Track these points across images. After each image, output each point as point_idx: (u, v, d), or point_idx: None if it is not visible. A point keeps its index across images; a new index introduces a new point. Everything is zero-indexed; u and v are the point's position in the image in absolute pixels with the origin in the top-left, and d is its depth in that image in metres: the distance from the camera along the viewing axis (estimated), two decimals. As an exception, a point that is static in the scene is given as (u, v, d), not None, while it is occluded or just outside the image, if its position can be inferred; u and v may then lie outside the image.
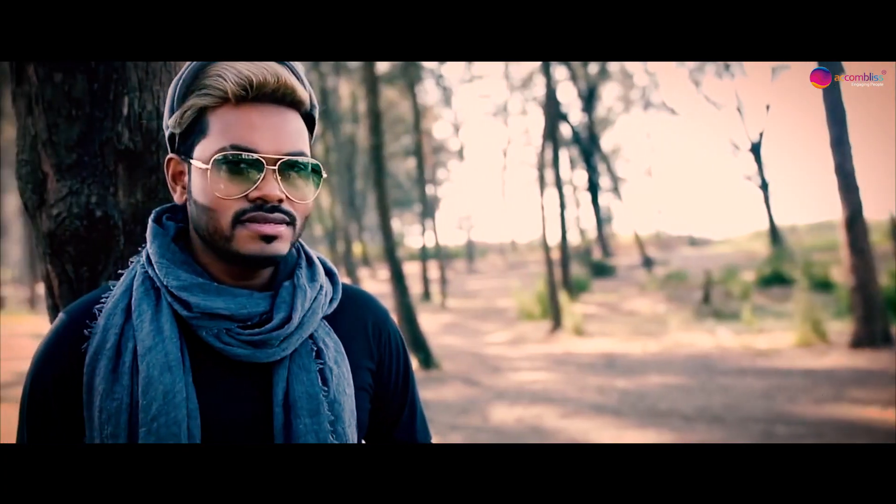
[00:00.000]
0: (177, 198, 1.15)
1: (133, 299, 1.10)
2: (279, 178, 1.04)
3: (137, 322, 1.07)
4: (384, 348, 1.27)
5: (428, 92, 41.65)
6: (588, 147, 34.03)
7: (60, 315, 1.15)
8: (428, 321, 17.64)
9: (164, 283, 1.08)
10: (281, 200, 1.05)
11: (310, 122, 1.15)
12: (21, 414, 1.12)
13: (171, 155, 1.14)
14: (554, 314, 14.83)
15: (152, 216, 1.19)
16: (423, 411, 1.38)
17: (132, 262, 1.18)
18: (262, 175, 1.03)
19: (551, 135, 18.46)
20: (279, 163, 1.04)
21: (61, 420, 1.09)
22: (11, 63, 1.43)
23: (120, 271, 1.20)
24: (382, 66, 26.07)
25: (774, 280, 18.73)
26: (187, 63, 1.10)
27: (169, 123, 1.12)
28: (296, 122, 1.10)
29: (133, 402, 1.04)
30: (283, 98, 1.07)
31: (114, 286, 1.15)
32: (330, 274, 1.25)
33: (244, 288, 1.12)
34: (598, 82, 34.57)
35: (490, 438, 6.89)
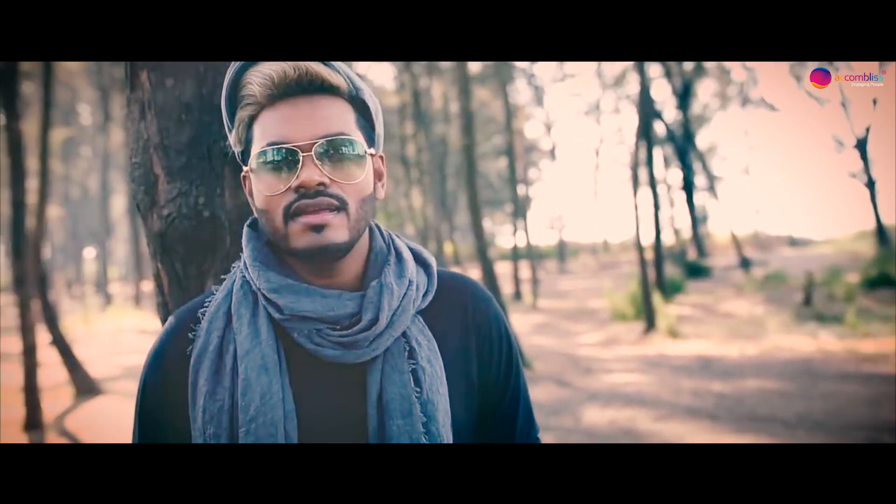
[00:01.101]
0: (254, 210, 1.16)
1: (233, 303, 1.13)
2: (318, 162, 1.04)
3: (237, 325, 1.10)
4: (484, 337, 1.24)
5: (520, 91, 41.55)
6: (683, 145, 33.28)
7: (168, 321, 1.19)
8: (519, 321, 17.59)
9: (258, 285, 1.11)
10: (323, 184, 1.04)
11: (360, 106, 1.14)
12: (136, 415, 1.17)
13: (244, 171, 1.16)
14: (647, 315, 14.54)
15: (248, 221, 1.21)
16: (530, 404, 1.32)
17: (234, 266, 1.20)
18: (301, 163, 1.04)
19: (645, 133, 18.12)
20: (314, 147, 1.04)
21: (171, 421, 1.12)
22: (126, 70, 1.50)
23: (222, 276, 1.24)
24: (474, 67, 26.12)
25: (881, 282, 17.88)
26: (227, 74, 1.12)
27: (232, 143, 1.15)
28: (332, 107, 1.09)
29: (234, 403, 1.06)
30: (311, 86, 1.07)
31: (217, 291, 1.19)
32: (424, 266, 1.23)
33: (333, 288, 1.12)
34: (693, 79, 33.79)
35: (582, 440, 6.83)
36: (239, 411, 1.05)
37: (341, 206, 1.06)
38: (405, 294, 1.14)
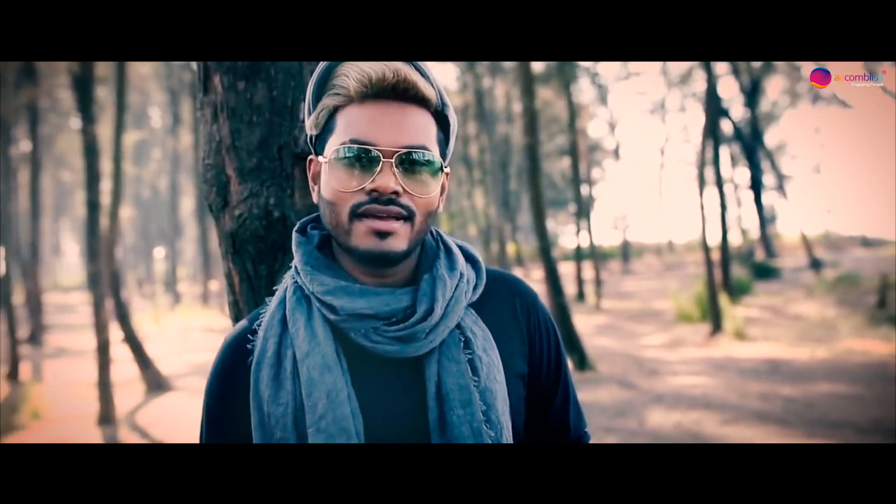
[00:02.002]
0: (314, 197, 1.19)
1: (287, 309, 1.15)
2: (397, 171, 1.06)
3: (293, 330, 1.12)
4: (534, 332, 1.26)
5: (583, 90, 41.27)
6: (751, 144, 32.61)
7: (227, 335, 1.22)
8: (582, 322, 17.43)
9: (311, 289, 1.12)
10: (396, 193, 1.06)
11: (442, 121, 1.16)
12: (202, 425, 1.21)
13: (311, 156, 1.19)
14: (713, 317, 14.28)
15: (297, 227, 1.23)
16: (577, 397, 1.35)
17: (285, 276, 1.22)
18: (380, 168, 1.05)
19: (712, 131, 17.80)
20: (396, 155, 1.05)
21: (236, 429, 1.15)
22: (199, 73, 1.53)
23: (274, 287, 1.26)
24: (538, 66, 26.01)
25: (960, 284, 17.25)
26: (318, 65, 1.14)
27: (307, 126, 1.16)
28: (419, 117, 1.10)
29: (298, 405, 1.08)
30: (405, 94, 1.08)
31: (270, 302, 1.21)
32: (472, 261, 1.25)
33: (386, 286, 1.13)
34: (762, 76, 33.06)
35: (647, 443, 6.74)
36: (306, 412, 1.06)
37: (409, 217, 1.08)
38: (458, 285, 1.16)
